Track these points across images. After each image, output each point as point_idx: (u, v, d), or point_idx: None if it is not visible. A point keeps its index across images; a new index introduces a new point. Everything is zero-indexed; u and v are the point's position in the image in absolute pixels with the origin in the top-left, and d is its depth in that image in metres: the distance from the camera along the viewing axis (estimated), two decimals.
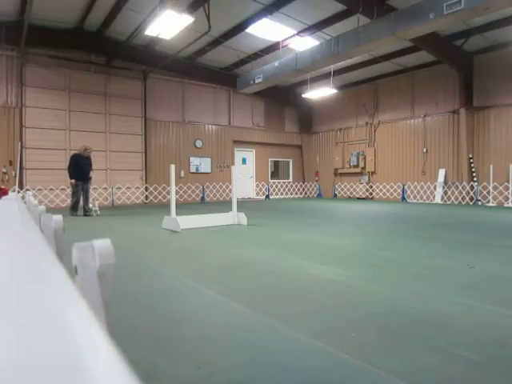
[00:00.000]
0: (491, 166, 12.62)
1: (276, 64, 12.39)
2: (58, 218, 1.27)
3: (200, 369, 1.75)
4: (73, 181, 9.21)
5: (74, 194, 9.31)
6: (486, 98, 12.96)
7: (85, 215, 9.23)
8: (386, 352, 1.90)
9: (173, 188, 6.79)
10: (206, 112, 16.31)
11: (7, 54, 12.02)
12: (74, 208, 9.29)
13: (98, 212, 9.38)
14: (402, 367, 1.74)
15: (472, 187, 13.12)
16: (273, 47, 13.07)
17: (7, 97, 12.10)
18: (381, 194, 16.00)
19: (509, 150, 12.45)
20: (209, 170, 16.17)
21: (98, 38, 12.63)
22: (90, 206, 9.48)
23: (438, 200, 13.94)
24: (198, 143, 15.92)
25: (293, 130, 19.20)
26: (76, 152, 9.65)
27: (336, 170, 17.88)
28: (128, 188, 14.03)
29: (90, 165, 9.59)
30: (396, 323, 2.29)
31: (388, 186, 15.71)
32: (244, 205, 11.88)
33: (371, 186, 16.45)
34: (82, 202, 9.45)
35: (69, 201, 10.37)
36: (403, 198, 14.96)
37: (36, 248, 0.80)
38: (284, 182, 18.82)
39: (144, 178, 14.53)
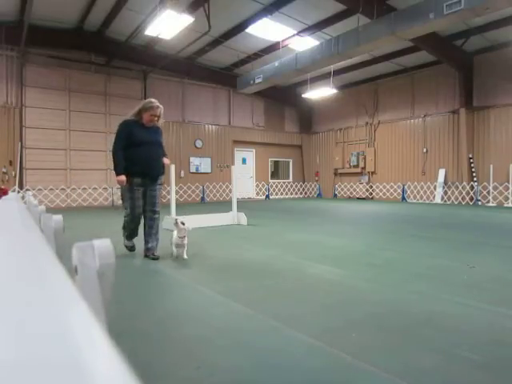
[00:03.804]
0: (491, 166, 12.62)
1: (276, 64, 12.39)
2: (58, 218, 1.27)
3: (200, 369, 1.75)
4: (122, 178, 4.14)
5: (127, 207, 4.35)
6: (486, 98, 12.96)
7: (146, 256, 4.32)
8: (386, 352, 1.90)
9: (173, 188, 6.80)
10: (205, 112, 16.31)
11: (7, 54, 12.03)
12: (126, 232, 4.54)
13: (185, 256, 4.19)
14: (402, 367, 1.74)
15: (472, 187, 13.12)
16: (273, 47, 13.07)
17: (7, 97, 12.11)
18: (381, 194, 16.00)
19: (509, 150, 12.45)
20: (209, 170, 16.17)
21: (98, 38, 12.63)
22: (153, 244, 4.36)
23: (437, 200, 13.93)
24: (198, 143, 15.92)
25: (293, 130, 19.20)
26: (128, 118, 4.41)
27: (336, 170, 17.88)
28: None
29: (160, 144, 4.49)
30: (396, 323, 2.29)
31: (388, 186, 15.71)
32: (244, 205, 11.88)
33: (371, 186, 16.45)
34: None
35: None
36: (403, 198, 14.96)
37: (36, 248, 0.80)
38: (284, 182, 18.82)
39: None
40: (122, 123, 4.33)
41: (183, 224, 4.09)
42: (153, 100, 4.37)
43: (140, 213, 4.35)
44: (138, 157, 4.19)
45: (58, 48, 12.55)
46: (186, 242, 4.14)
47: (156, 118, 4.34)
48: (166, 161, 4.50)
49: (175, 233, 4.17)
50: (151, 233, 4.37)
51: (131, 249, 4.62)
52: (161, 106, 4.34)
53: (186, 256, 4.15)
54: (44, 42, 12.09)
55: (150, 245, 4.32)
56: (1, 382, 0.22)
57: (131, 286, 3.16)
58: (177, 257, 4.15)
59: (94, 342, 0.29)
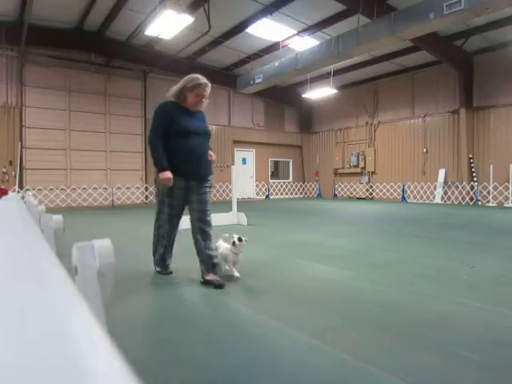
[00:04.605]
0: (491, 166, 12.62)
1: (276, 64, 12.40)
2: (58, 218, 1.27)
3: (200, 370, 1.75)
4: (167, 175, 3.17)
5: (162, 215, 3.43)
6: (486, 98, 12.97)
7: (205, 282, 3.17)
8: (385, 352, 1.90)
9: None
10: (205, 112, 16.28)
11: (7, 54, 12.03)
12: (160, 249, 3.50)
13: (236, 274, 3.36)
14: (401, 367, 1.74)
15: (472, 187, 13.12)
16: (273, 47, 13.07)
17: (7, 97, 12.11)
18: (381, 194, 16.00)
19: (509, 150, 12.45)
20: None
21: (97, 38, 12.64)
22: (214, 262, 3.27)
23: (438, 200, 13.94)
24: None
25: (293, 130, 19.20)
26: (168, 100, 3.43)
27: (336, 170, 17.88)
28: (128, 188, 14.03)
29: (209, 135, 3.52)
30: (396, 323, 2.29)
31: (388, 186, 15.71)
32: (244, 205, 11.88)
33: (371, 186, 16.45)
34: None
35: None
36: (403, 198, 14.96)
37: (36, 248, 0.80)
38: (284, 182, 18.83)
39: (144, 178, 14.53)
40: (159, 106, 3.35)
41: (241, 240, 3.34)
42: (199, 76, 3.33)
43: (177, 224, 3.46)
44: (183, 152, 3.20)
45: (58, 48, 12.55)
46: (240, 256, 3.43)
47: (203, 100, 3.37)
48: (212, 155, 3.45)
49: (223, 245, 3.52)
50: (203, 249, 3.26)
51: (165, 270, 3.53)
52: (209, 84, 3.35)
53: (237, 274, 3.36)
54: (44, 41, 12.10)
55: (207, 264, 3.21)
56: (1, 382, 0.22)
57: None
58: (232, 275, 3.37)
59: (94, 341, 0.29)
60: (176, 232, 3.51)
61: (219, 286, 3.03)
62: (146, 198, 14.48)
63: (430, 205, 13.09)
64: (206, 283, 3.12)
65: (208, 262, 3.20)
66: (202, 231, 3.29)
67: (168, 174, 3.16)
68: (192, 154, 3.23)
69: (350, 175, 17.31)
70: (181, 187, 3.26)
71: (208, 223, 3.34)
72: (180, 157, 3.19)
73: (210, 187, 3.40)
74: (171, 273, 3.51)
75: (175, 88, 3.32)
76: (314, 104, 18.14)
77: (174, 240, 3.52)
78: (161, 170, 3.18)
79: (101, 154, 13.62)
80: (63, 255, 1.14)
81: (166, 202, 3.33)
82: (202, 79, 3.29)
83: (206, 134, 3.41)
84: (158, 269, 3.55)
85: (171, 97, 3.35)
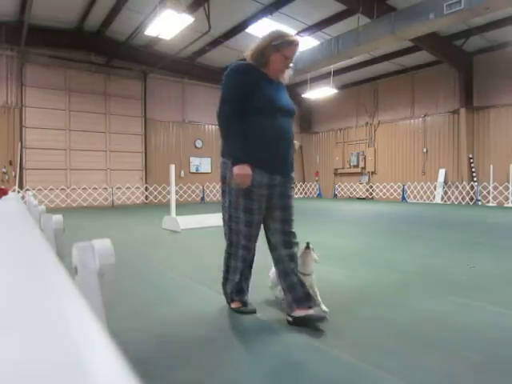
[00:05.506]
0: (491, 166, 12.62)
1: None
2: (58, 217, 1.27)
3: (200, 369, 1.75)
4: (245, 171, 2.21)
5: (235, 226, 2.40)
6: (486, 98, 12.96)
7: (294, 320, 2.23)
8: (386, 352, 1.90)
9: (173, 188, 6.79)
10: (205, 112, 16.29)
11: (7, 54, 12.03)
12: (228, 280, 2.55)
13: (323, 307, 2.41)
14: (402, 367, 1.74)
15: (472, 187, 13.12)
16: None
17: (7, 97, 12.11)
18: (381, 194, 16.00)
19: (509, 150, 12.45)
20: (209, 170, 16.17)
21: (97, 38, 12.65)
22: (305, 291, 2.34)
23: (438, 200, 13.93)
24: (198, 143, 15.93)
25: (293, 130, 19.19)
26: (241, 62, 2.45)
27: (336, 170, 17.88)
28: (128, 188, 14.03)
29: (295, 114, 2.51)
30: (396, 323, 2.29)
31: (388, 186, 15.71)
32: None
33: (371, 186, 16.45)
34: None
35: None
36: (403, 198, 14.96)
37: (36, 248, 0.80)
38: None
39: (144, 178, 14.54)
40: (237, 68, 2.40)
41: (308, 248, 2.51)
42: (286, 31, 2.41)
43: (256, 239, 2.46)
44: (267, 136, 2.30)
45: (58, 48, 12.54)
46: (314, 279, 2.49)
47: (290, 65, 2.41)
48: (296, 143, 2.60)
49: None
50: (292, 271, 2.38)
51: (246, 310, 2.48)
52: (299, 43, 2.41)
53: (325, 307, 2.43)
54: (44, 41, 12.10)
55: (298, 293, 2.31)
56: (1, 382, 0.22)
57: None
58: (282, 299, 2.47)
59: (94, 341, 0.29)
60: (254, 251, 2.52)
61: (319, 319, 2.22)
62: (146, 197, 14.49)
63: (430, 205, 13.08)
64: (298, 322, 2.22)
65: (299, 291, 2.30)
66: (287, 247, 2.40)
67: (247, 170, 2.21)
68: (279, 140, 2.33)
69: (350, 175, 17.31)
70: (262, 184, 2.30)
71: (294, 237, 2.46)
72: (262, 143, 2.28)
73: (293, 186, 2.50)
74: (254, 311, 2.45)
75: (254, 46, 2.39)
76: (314, 104, 18.13)
77: (252, 261, 2.56)
78: (236, 161, 2.23)
79: (101, 154, 13.63)
80: (63, 255, 1.14)
81: (242, 206, 2.32)
82: (292, 35, 2.38)
83: (293, 114, 2.49)
84: (233, 305, 2.50)
85: (249, 58, 2.41)
